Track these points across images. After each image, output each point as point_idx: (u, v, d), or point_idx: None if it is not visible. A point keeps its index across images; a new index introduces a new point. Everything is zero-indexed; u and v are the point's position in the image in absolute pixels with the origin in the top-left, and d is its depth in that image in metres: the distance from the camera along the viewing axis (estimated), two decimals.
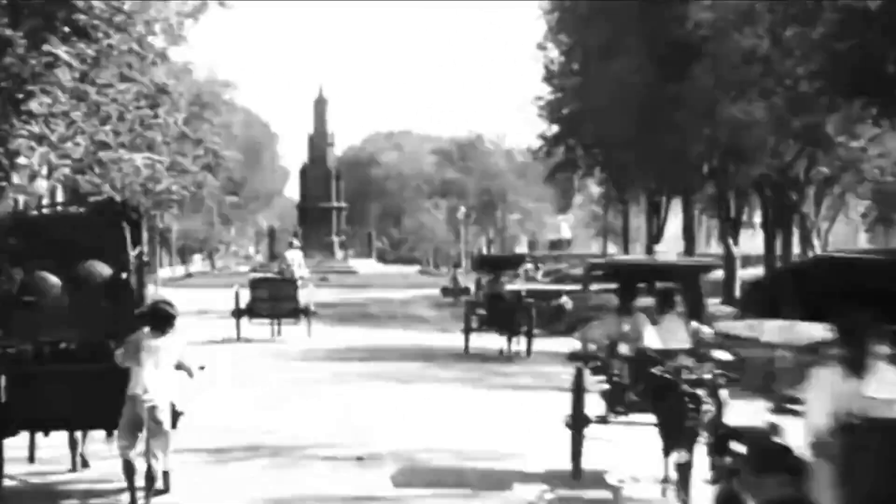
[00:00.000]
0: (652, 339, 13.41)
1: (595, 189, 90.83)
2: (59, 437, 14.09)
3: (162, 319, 12.50)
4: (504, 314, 28.70)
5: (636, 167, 51.46)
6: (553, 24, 57.80)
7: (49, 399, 12.70)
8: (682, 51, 41.91)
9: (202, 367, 13.11)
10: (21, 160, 30.43)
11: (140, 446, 12.12)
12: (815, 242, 50.29)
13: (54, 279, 13.05)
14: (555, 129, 62.36)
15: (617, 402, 13.67)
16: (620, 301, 14.59)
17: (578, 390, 14.02)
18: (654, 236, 56.89)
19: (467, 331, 29.78)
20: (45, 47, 23.67)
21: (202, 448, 15.31)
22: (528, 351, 28.79)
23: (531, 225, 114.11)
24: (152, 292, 58.49)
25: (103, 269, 13.15)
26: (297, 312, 33.26)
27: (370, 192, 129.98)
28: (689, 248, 51.04)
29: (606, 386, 13.93)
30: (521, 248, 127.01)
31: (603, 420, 13.90)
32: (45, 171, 36.92)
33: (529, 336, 28.85)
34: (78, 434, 14.18)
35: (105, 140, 32.34)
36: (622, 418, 13.73)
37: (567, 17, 55.19)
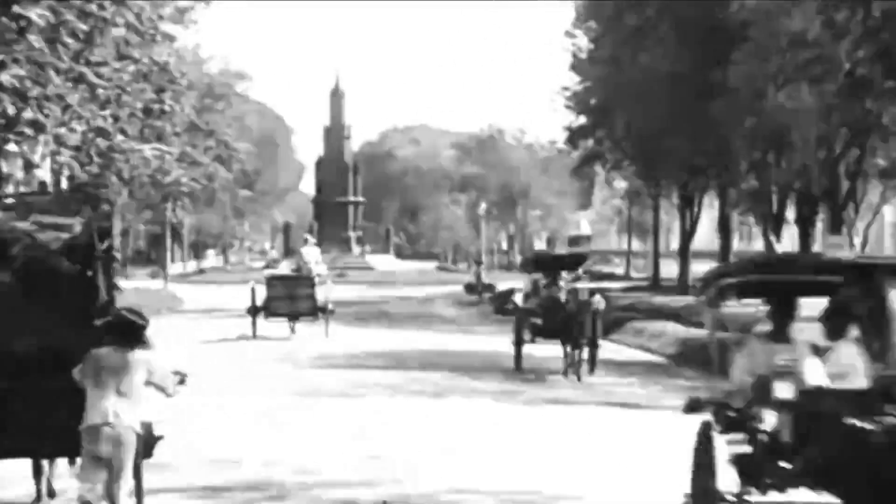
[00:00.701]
0: (815, 374, 9.63)
1: (620, 184, 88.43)
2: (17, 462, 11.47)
3: (127, 331, 10.03)
4: (566, 323, 23.85)
5: (670, 160, 48.93)
6: (581, 10, 55.33)
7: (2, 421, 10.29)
8: (722, 36, 39.43)
9: (182, 381, 10.57)
10: (11, 147, 28.00)
11: (102, 486, 9.66)
12: (856, 241, 47.79)
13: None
14: (582, 120, 60.05)
15: (766, 471, 8.96)
16: (775, 320, 10.17)
17: (705, 455, 9.37)
18: (688, 233, 54.28)
19: (519, 343, 25.07)
20: (16, 9, 21.07)
21: (187, 487, 12.56)
22: (592, 367, 24.21)
23: (553, 221, 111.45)
24: (161, 288, 56.81)
25: (65, 267, 10.62)
26: (315, 311, 32.43)
27: (387, 187, 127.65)
28: (725, 245, 48.40)
29: (746, 448, 9.18)
30: (540, 245, 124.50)
31: (741, 500, 9.09)
32: (47, 162, 34.65)
33: (594, 349, 24.36)
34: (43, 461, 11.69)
35: (103, 126, 29.94)
36: (773, 496, 9.05)
37: (597, 2, 52.68)
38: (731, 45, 37.60)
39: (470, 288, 55.74)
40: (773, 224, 43.05)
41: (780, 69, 34.82)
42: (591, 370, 24.07)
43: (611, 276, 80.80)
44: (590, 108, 57.42)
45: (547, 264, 28.09)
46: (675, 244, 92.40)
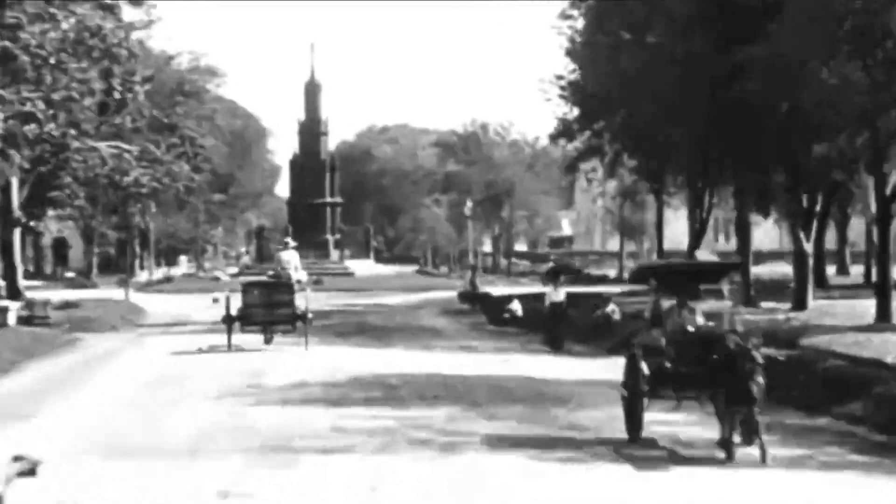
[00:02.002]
0: None
1: (610, 183, 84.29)
2: None
3: None
4: (720, 372, 14.67)
5: (679, 152, 44.28)
6: None
7: None
8: (749, 7, 34.85)
9: (32, 472, 6.15)
10: None
11: None
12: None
13: None
14: (577, 111, 55.40)
15: None
16: None
17: None
18: (698, 232, 49.59)
19: (636, 395, 15.78)
20: None
21: None
22: (748, 436, 14.36)
23: (540, 221, 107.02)
24: (122, 299, 52.04)
25: None
26: (294, 320, 30.64)
27: (364, 189, 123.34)
28: (744, 247, 43.56)
29: None
30: (521, 246, 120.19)
31: None
32: None
33: (754, 415, 14.34)
34: None
35: (31, 111, 25.06)
36: None
37: None
38: (760, 19, 33.11)
39: (464, 296, 50.89)
40: (804, 220, 38.39)
41: (826, 40, 30.16)
42: (759, 450, 14.23)
43: (604, 280, 76.58)
44: (587, 97, 52.67)
45: (673, 277, 17.56)
46: (666, 244, 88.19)
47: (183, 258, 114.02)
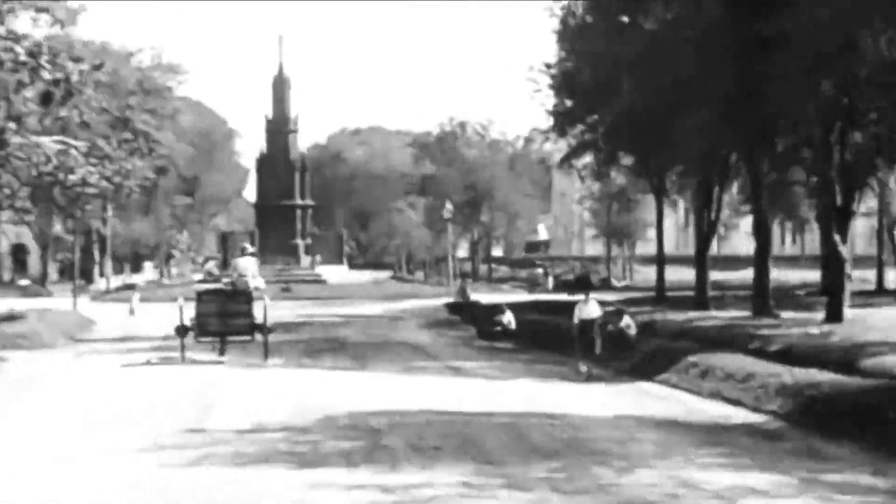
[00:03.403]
0: None
1: (594, 185, 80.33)
2: None
3: None
4: None
5: (686, 145, 39.76)
6: None
7: None
8: None
9: None
10: None
11: None
12: None
13: None
14: (570, 105, 51.04)
15: None
16: None
17: None
18: (706, 234, 45.06)
19: None
20: None
21: None
22: None
23: (522, 224, 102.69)
24: (70, 310, 47.26)
25: None
26: (252, 330, 29.18)
27: (336, 193, 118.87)
28: (763, 250, 38.78)
29: None
30: (496, 251, 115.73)
31: None
32: None
33: None
34: None
35: None
36: None
37: None
38: None
39: (453, 307, 46.35)
40: (839, 219, 33.69)
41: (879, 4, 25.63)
42: None
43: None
44: (580, 86, 48.20)
45: None
46: (648, 248, 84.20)
47: (148, 264, 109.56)
